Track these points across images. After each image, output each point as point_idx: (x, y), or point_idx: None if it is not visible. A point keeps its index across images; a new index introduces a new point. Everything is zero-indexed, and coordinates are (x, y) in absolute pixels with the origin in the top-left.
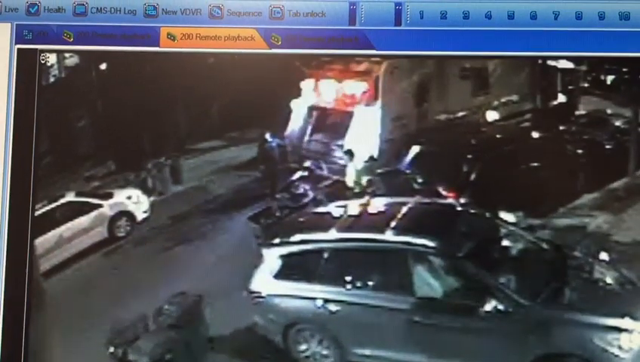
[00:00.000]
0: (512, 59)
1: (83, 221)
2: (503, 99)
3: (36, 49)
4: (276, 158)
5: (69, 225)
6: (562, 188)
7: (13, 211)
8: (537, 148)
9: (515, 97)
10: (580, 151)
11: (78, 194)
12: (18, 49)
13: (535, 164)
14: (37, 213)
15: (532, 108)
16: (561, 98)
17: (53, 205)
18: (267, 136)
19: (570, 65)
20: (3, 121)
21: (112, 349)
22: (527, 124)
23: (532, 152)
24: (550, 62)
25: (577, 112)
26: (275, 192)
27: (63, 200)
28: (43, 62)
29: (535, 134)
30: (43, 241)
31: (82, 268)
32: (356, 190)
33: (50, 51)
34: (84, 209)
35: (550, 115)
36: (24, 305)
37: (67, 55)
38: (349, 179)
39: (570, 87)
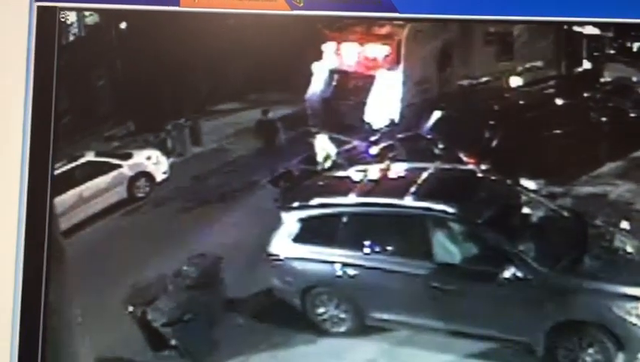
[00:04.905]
0: (538, 24)
1: (102, 181)
2: (527, 65)
3: (56, 7)
4: (279, 130)
5: (89, 184)
6: (585, 156)
7: (33, 170)
8: (560, 115)
9: (539, 63)
10: (603, 118)
11: (97, 154)
12: (38, 6)
13: (558, 131)
14: (56, 172)
15: (556, 75)
16: (586, 65)
17: (73, 164)
18: (269, 114)
19: (596, 31)
20: (23, 80)
21: (130, 308)
22: (550, 90)
23: (555, 119)
24: (576, 28)
25: (602, 79)
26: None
27: (82, 160)
28: (63, 20)
29: (559, 101)
30: (62, 200)
31: (101, 228)
32: (327, 165)
33: (70, 9)
34: (104, 169)
35: (574, 82)
36: (44, 263)
37: (87, 13)
38: (319, 154)
39: (595, 54)
